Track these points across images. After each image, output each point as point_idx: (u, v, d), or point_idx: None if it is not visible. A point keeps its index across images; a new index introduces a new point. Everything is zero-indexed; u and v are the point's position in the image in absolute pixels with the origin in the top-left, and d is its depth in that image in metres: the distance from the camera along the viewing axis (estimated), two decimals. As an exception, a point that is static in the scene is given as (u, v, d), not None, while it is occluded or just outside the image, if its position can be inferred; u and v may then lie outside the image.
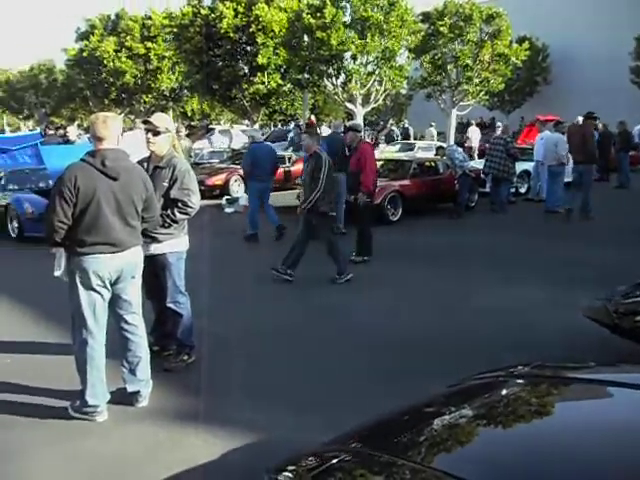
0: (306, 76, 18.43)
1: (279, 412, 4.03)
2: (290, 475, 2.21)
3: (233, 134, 24.51)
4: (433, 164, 13.37)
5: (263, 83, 19.92)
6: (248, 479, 3.12)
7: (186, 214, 4.62)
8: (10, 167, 12.03)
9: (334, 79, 17.67)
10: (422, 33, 19.36)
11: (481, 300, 6.43)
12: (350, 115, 20.44)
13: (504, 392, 2.50)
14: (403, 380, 4.39)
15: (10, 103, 43.45)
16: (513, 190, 13.78)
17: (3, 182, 11.29)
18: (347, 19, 17.64)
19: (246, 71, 20.10)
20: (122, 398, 4.12)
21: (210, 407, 4.14)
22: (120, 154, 4.02)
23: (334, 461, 2.20)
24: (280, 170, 16.19)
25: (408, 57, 20.15)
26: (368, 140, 8.76)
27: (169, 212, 4.51)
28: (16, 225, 10.28)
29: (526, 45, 22.99)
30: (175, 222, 4.58)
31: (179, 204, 4.56)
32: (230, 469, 3.43)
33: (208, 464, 3.44)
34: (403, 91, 26.81)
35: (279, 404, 4.16)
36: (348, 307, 6.39)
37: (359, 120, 17.26)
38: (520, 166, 14.03)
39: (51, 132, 10.72)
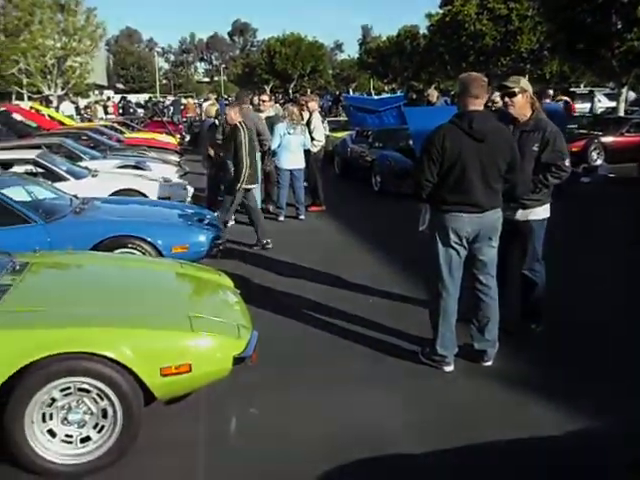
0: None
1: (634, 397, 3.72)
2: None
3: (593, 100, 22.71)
4: None
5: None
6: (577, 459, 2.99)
7: (559, 178, 4.46)
8: (377, 126, 13.22)
9: None
10: None
11: None
12: None
13: None
14: None
15: (378, 68, 47.44)
16: None
17: (370, 140, 12.49)
18: None
19: (619, 27, 18.11)
20: (468, 354, 4.26)
21: (555, 377, 4.05)
22: (487, 116, 4.04)
23: None
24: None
25: None
26: None
27: (541, 177, 4.42)
28: (379, 180, 11.30)
29: None
30: (547, 187, 4.47)
31: (552, 168, 4.42)
32: (568, 446, 3.30)
33: (548, 437, 3.37)
34: None
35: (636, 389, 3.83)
36: None
37: None
38: None
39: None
